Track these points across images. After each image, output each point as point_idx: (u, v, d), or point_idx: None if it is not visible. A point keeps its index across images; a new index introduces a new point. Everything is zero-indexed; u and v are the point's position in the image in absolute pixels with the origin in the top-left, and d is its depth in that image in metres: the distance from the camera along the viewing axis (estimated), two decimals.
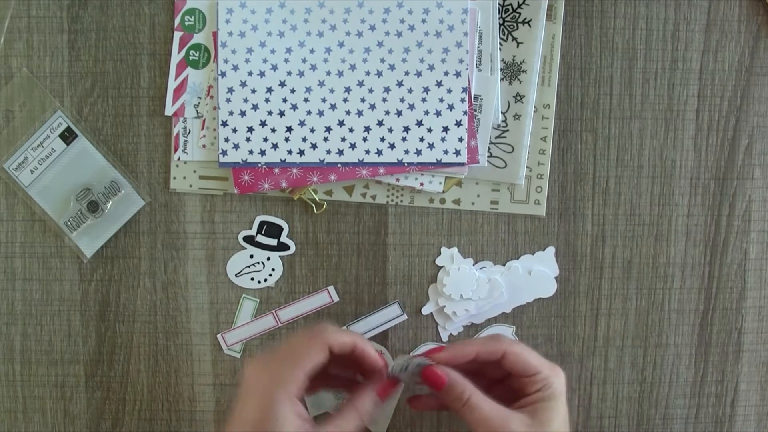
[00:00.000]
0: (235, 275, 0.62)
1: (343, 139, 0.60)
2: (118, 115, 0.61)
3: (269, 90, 0.60)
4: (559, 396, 0.52)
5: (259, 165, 0.60)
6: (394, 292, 0.63)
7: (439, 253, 0.62)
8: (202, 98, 0.61)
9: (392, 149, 0.60)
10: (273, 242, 0.62)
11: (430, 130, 0.60)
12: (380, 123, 0.60)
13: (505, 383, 0.54)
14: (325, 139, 0.60)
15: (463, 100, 0.60)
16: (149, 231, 0.62)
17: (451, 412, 0.53)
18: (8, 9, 0.61)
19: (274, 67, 0.59)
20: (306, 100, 0.60)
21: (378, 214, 0.63)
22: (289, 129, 0.60)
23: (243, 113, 0.60)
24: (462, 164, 0.60)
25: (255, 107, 0.60)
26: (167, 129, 0.61)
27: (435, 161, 0.60)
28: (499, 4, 0.60)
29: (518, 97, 0.61)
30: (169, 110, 0.61)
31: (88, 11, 0.61)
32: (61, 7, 0.61)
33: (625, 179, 0.63)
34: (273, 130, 0.60)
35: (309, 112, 0.60)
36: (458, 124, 0.60)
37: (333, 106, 0.60)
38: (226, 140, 0.60)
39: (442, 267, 0.63)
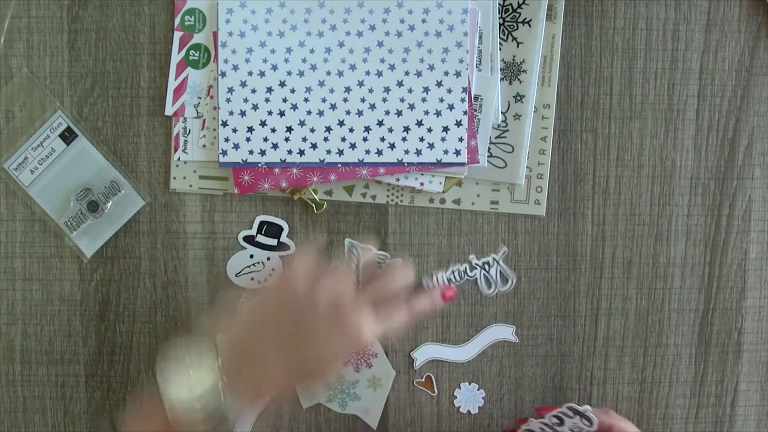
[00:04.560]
0: (235, 275, 0.62)
1: (343, 139, 0.60)
2: (118, 115, 0.61)
3: (269, 90, 0.60)
4: None
5: (259, 165, 0.60)
6: None
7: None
8: (202, 98, 0.61)
9: (392, 149, 0.60)
10: (273, 242, 0.62)
11: (430, 130, 0.60)
12: (380, 123, 0.60)
13: None
14: (325, 139, 0.60)
15: (463, 100, 0.60)
16: (149, 231, 0.62)
17: None
18: (8, 9, 0.61)
19: (274, 67, 0.59)
20: (306, 100, 0.60)
21: (378, 214, 0.63)
22: (289, 129, 0.60)
23: (243, 113, 0.60)
24: (462, 164, 0.60)
25: (255, 107, 0.60)
26: (167, 129, 0.61)
27: (435, 161, 0.60)
28: (499, 4, 0.60)
29: (518, 97, 0.61)
30: (169, 110, 0.61)
31: (88, 11, 0.61)
32: (61, 7, 0.61)
33: (625, 179, 0.63)
34: (273, 130, 0.60)
35: (309, 112, 0.60)
36: (458, 124, 0.60)
37: (333, 106, 0.60)
38: (226, 140, 0.60)
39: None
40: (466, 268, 0.62)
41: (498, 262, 0.63)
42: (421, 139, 0.60)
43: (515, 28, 0.61)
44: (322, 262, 0.54)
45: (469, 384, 0.64)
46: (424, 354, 0.63)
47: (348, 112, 0.60)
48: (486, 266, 0.63)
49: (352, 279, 0.54)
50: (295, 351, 0.51)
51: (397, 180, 0.61)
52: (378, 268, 0.57)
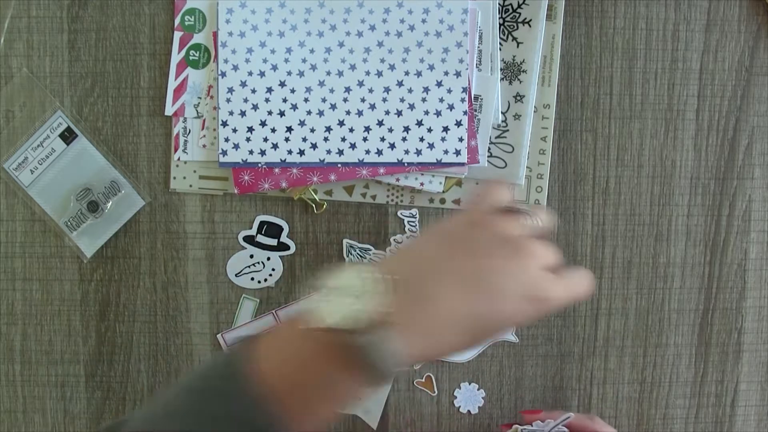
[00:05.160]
0: (235, 275, 0.62)
1: (343, 139, 0.60)
2: (118, 115, 0.61)
3: (269, 90, 0.60)
4: None
5: (259, 165, 0.60)
6: None
7: None
8: (202, 98, 0.61)
9: (392, 149, 0.60)
10: (273, 242, 0.62)
11: (430, 130, 0.60)
12: (380, 123, 0.60)
13: None
14: (325, 139, 0.60)
15: (463, 100, 0.60)
16: (149, 231, 0.62)
17: None
18: (8, 9, 0.61)
19: (274, 67, 0.59)
20: (306, 100, 0.60)
21: (378, 214, 0.63)
22: (289, 129, 0.60)
23: (243, 113, 0.60)
24: (462, 164, 0.60)
25: (255, 107, 0.60)
26: (167, 129, 0.61)
27: (435, 161, 0.60)
28: (499, 4, 0.60)
29: (518, 97, 0.61)
30: (169, 110, 0.61)
31: (88, 11, 0.61)
32: (61, 7, 0.61)
33: (625, 179, 0.63)
34: (273, 130, 0.60)
35: (309, 112, 0.60)
36: (458, 124, 0.60)
37: (333, 106, 0.60)
38: (226, 140, 0.60)
39: None
40: None
41: None
42: (421, 139, 0.60)
43: (515, 28, 0.61)
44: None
45: (469, 384, 0.64)
46: None
47: (348, 112, 0.60)
48: None
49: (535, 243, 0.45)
50: (474, 292, 0.41)
51: (397, 180, 0.61)
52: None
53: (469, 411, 0.64)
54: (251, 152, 0.60)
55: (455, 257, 0.43)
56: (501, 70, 0.61)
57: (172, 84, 0.61)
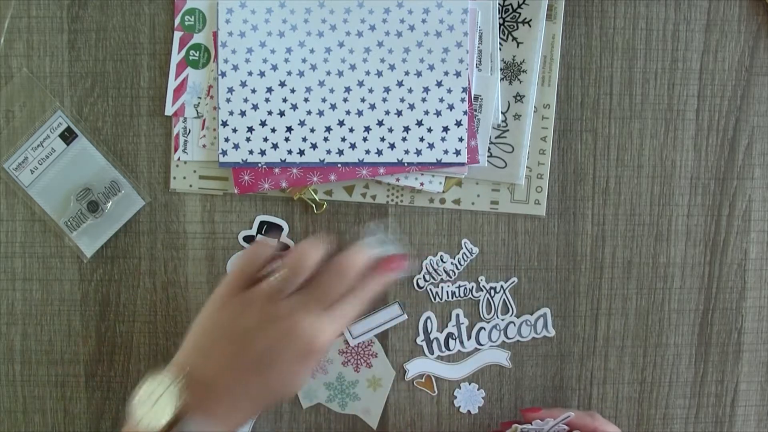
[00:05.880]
0: None
1: (343, 139, 0.60)
2: (118, 115, 0.61)
3: (269, 90, 0.60)
4: None
5: (259, 165, 0.60)
6: (394, 292, 0.63)
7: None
8: (202, 98, 0.61)
9: (392, 149, 0.60)
10: (273, 242, 0.62)
11: (430, 130, 0.60)
12: (380, 123, 0.60)
13: None
14: (325, 139, 0.60)
15: (463, 100, 0.60)
16: (149, 231, 0.62)
17: None
18: (8, 9, 0.61)
19: (274, 67, 0.59)
20: (306, 100, 0.60)
21: (378, 214, 0.63)
22: (289, 129, 0.60)
23: (243, 113, 0.60)
24: (462, 164, 0.60)
25: (255, 107, 0.60)
26: (167, 129, 0.61)
27: (435, 161, 0.60)
28: (499, 4, 0.60)
29: (518, 97, 0.61)
30: (169, 110, 0.61)
31: (88, 11, 0.61)
32: (61, 7, 0.61)
33: (625, 179, 0.63)
34: (273, 130, 0.60)
35: (309, 112, 0.60)
36: (458, 124, 0.60)
37: (333, 106, 0.60)
38: (226, 140, 0.60)
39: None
40: (473, 288, 0.62)
41: (504, 291, 0.62)
42: (421, 139, 0.60)
43: (515, 28, 0.61)
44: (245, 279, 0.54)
45: (469, 384, 0.64)
46: (416, 368, 0.63)
47: (348, 112, 0.60)
48: (492, 291, 0.62)
49: (281, 288, 0.53)
50: (255, 377, 0.50)
51: (397, 180, 0.61)
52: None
53: (469, 411, 0.64)
54: (251, 152, 0.60)
55: (236, 344, 0.51)
56: (501, 70, 0.61)
57: (172, 84, 0.61)
